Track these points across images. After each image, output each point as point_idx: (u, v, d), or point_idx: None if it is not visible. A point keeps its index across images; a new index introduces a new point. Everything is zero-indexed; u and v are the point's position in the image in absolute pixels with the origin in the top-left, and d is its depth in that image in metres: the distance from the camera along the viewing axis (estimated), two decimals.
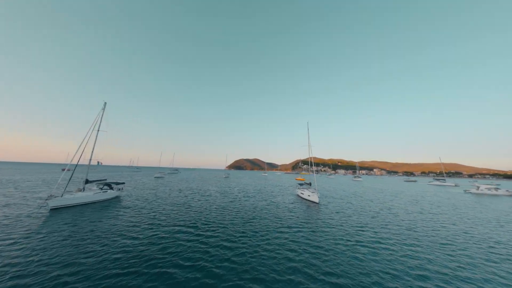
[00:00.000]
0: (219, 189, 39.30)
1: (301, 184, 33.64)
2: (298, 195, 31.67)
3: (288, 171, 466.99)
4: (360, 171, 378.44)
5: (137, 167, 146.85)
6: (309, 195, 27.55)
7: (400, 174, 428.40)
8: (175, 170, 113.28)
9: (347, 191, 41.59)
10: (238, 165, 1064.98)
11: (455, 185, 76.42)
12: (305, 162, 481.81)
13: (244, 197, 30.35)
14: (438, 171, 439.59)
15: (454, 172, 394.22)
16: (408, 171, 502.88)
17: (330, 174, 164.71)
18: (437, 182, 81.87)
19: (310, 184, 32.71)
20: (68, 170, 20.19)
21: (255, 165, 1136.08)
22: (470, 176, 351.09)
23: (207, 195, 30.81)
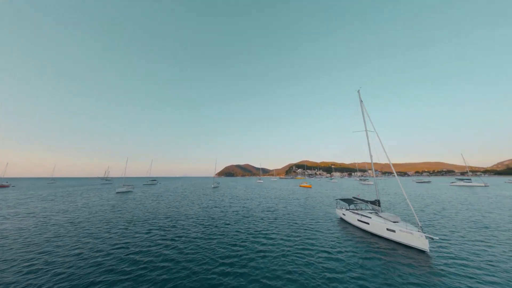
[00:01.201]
0: (204, 210, 24.44)
1: (347, 202, 18.69)
2: (346, 221, 17.39)
3: (282, 176, 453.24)
4: (356, 172, 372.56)
5: (107, 179, 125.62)
6: (390, 229, 12.91)
7: (394, 174, 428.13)
8: (153, 181, 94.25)
9: (416, 207, 26.99)
10: (229, 172, 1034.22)
11: (485, 185, 65.45)
12: (298, 165, 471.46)
13: (251, 234, 14.88)
14: (432, 170, 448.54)
15: (446, 171, 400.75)
16: (401, 171, 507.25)
17: (333, 178, 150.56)
18: (462, 183, 70.81)
19: (375, 202, 16.59)
20: None
21: (246, 171, 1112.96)
22: (462, 174, 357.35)
23: (181, 232, 15.35)
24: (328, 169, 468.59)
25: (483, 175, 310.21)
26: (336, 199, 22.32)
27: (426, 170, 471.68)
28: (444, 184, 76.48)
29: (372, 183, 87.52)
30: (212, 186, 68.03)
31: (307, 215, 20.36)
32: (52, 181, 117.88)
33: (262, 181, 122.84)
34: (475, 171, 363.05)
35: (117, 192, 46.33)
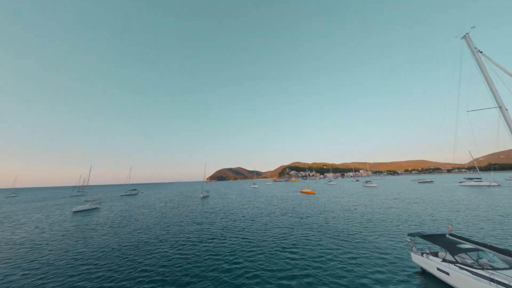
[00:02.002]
0: (185, 248, 14.37)
1: (443, 244, 10.01)
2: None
3: (275, 178, 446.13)
4: (348, 173, 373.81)
5: (79, 189, 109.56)
6: None
7: (385, 173, 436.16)
8: (133, 190, 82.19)
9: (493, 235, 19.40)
10: (221, 175, 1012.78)
11: (498, 185, 61.08)
12: (291, 167, 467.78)
13: None
14: (420, 168, 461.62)
15: (433, 168, 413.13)
16: (391, 170, 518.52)
17: (331, 180, 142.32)
18: (472, 182, 65.95)
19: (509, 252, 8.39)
20: None
21: (238, 174, 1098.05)
22: (449, 171, 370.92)
23: None
24: (320, 170, 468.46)
25: (468, 172, 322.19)
26: (411, 234, 11.49)
27: (414, 168, 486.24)
28: (451, 185, 71.61)
29: (376, 185, 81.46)
30: (201, 196, 58.22)
31: (356, 259, 12.02)
32: (12, 194, 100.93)
33: (256, 185, 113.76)
34: (460, 168, 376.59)
35: (74, 212, 35.52)
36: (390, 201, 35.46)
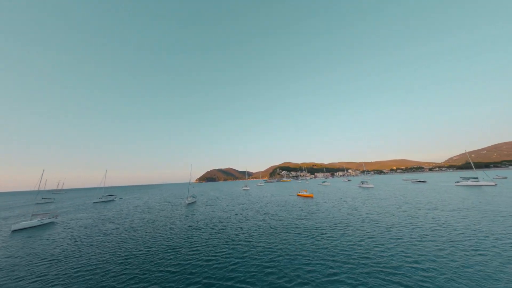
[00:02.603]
0: None
1: None
2: None
3: (266, 178, 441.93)
4: (338, 172, 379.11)
5: (44, 196, 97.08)
6: None
7: (372, 172, 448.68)
8: (109, 196, 72.48)
9: None
10: (210, 176, 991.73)
11: (495, 184, 60.25)
12: (282, 167, 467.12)
13: None
14: (404, 167, 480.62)
15: (416, 167, 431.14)
16: (377, 169, 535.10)
17: (325, 181, 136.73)
18: (469, 182, 64.47)
19: None
20: None
21: (228, 175, 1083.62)
22: (431, 169, 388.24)
23: None
24: (311, 170, 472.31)
25: (448, 170, 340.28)
26: None
27: (398, 167, 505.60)
28: (447, 185, 70.13)
29: (373, 185, 78.30)
30: (187, 202, 51.04)
31: None
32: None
33: (248, 188, 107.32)
34: (441, 167, 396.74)
35: (14, 231, 27.21)
36: (406, 207, 31.01)
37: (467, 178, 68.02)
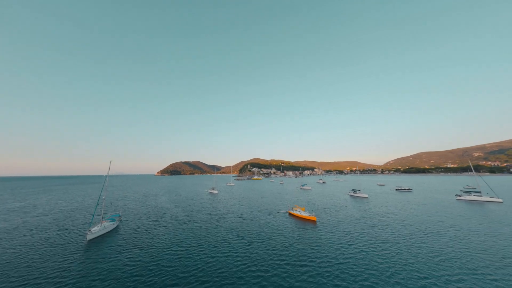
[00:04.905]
0: None
1: None
2: None
3: (236, 174, 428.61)
4: (305, 171, 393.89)
5: None
6: None
7: (334, 173, 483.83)
8: None
9: None
10: (175, 169, 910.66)
11: (502, 202, 51.37)
12: (252, 164, 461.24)
13: None
14: (362, 169, 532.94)
15: (371, 170, 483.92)
16: (339, 169, 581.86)
17: (305, 184, 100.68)
18: (472, 197, 55.89)
19: None
20: None
21: (196, 168, 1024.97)
22: (382, 172, 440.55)
23: None
24: (279, 167, 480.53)
25: (396, 174, 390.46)
26: None
27: (353, 168, 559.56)
28: (443, 197, 61.99)
29: (367, 196, 64.35)
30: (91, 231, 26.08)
31: None
32: None
33: (216, 191, 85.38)
34: (389, 170, 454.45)
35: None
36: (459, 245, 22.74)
37: (469, 192, 59.93)
